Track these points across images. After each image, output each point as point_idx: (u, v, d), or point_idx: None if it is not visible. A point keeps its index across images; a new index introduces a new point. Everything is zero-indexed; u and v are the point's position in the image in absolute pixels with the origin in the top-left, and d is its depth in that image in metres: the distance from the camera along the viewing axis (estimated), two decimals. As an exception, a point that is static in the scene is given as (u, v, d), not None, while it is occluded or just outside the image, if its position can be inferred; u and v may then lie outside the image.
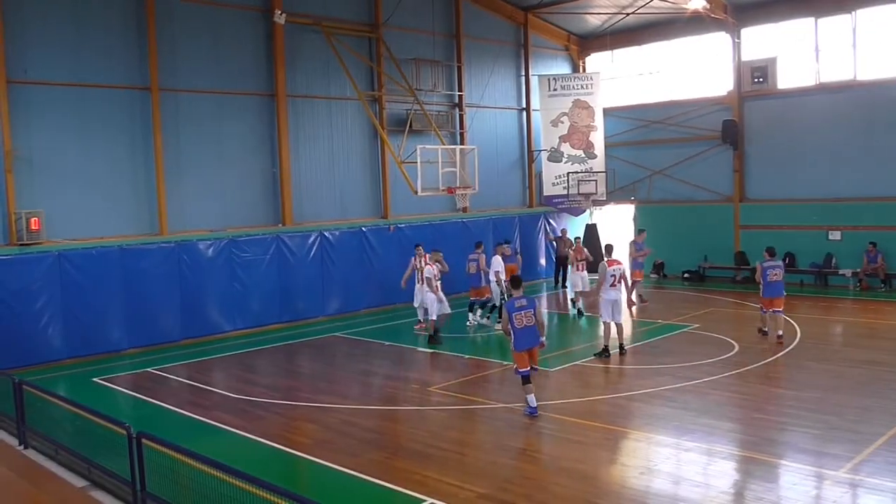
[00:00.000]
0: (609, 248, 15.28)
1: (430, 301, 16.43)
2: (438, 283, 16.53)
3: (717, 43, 24.22)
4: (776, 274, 14.88)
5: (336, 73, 20.50)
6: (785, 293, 15.03)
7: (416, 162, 19.07)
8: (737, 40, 23.52)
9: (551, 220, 26.05)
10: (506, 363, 14.47)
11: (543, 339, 11.22)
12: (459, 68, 23.93)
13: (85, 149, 16.63)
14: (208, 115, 18.47)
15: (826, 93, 22.18)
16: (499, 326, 14.64)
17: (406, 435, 10.73)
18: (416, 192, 19.35)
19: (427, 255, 17.12)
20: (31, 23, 15.85)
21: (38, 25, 15.95)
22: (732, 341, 15.26)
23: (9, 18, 15.49)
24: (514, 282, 11.57)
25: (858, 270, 21.33)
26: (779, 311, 14.86)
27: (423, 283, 16.86)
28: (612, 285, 14.30)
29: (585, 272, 19.34)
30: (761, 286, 15.03)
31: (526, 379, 10.95)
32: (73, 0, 16.44)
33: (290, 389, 13.32)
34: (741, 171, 23.95)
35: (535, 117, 26.29)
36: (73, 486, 8.63)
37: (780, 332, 14.87)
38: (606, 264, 14.39)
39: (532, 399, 10.97)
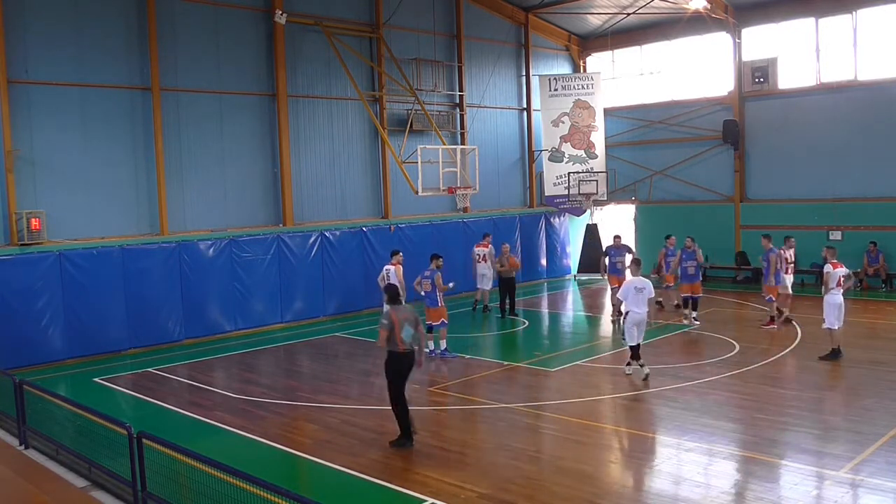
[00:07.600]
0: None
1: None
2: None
3: (717, 43, 24.21)
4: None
5: (337, 73, 20.50)
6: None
7: (417, 162, 19.07)
8: (737, 40, 23.50)
9: (552, 221, 26.08)
10: (506, 363, 14.53)
11: (440, 302, 15.00)
12: (460, 68, 23.93)
13: (86, 149, 16.63)
14: (209, 115, 18.47)
15: (826, 93, 22.16)
16: (629, 370, 13.18)
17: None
18: (417, 193, 19.37)
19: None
20: (32, 23, 15.85)
21: (38, 25, 15.95)
22: (733, 341, 15.26)
23: (9, 18, 15.49)
24: (433, 257, 15.12)
25: (859, 270, 21.31)
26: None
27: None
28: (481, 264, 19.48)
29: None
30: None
31: (428, 329, 14.66)
32: (74, 0, 16.47)
33: (290, 389, 13.32)
34: (742, 172, 23.94)
35: (536, 117, 26.27)
36: (74, 486, 8.63)
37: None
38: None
39: (430, 344, 14.85)
